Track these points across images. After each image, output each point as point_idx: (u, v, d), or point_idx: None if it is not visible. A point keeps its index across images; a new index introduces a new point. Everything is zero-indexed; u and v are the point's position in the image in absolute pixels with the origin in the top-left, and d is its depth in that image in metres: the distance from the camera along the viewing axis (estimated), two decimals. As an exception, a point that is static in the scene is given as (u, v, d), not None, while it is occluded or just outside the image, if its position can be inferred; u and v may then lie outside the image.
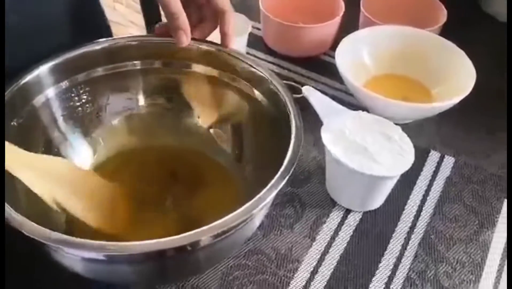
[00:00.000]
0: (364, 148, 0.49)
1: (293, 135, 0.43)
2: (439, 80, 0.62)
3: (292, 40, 0.69)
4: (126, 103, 0.55)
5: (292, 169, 0.41)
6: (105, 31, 0.62)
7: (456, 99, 0.56)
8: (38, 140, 0.49)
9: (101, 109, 0.54)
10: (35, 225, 0.35)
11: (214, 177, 0.53)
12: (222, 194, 0.52)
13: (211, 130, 0.55)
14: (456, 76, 0.60)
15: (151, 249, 0.35)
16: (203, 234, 0.36)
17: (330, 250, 0.50)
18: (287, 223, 0.52)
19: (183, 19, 0.48)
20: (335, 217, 0.52)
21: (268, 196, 0.38)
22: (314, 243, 0.50)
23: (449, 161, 0.58)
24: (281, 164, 0.41)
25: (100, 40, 0.51)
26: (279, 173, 0.40)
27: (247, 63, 0.50)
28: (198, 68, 0.53)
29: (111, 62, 0.52)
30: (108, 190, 0.49)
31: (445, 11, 0.69)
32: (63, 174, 0.45)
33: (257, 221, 0.45)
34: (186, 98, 0.55)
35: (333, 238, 0.51)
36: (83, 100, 0.52)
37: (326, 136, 0.50)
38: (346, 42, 0.62)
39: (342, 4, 0.70)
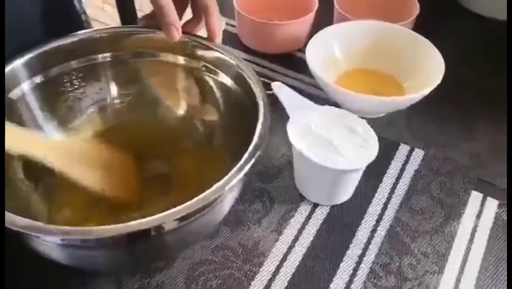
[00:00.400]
0: (329, 142, 0.49)
1: (259, 122, 0.44)
2: (410, 73, 0.63)
3: (266, 37, 0.69)
4: (99, 94, 0.56)
5: (257, 154, 0.41)
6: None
7: (423, 92, 0.56)
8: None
9: (76, 101, 0.55)
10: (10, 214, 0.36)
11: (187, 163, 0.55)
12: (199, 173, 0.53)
13: (184, 118, 0.56)
14: (426, 69, 0.60)
15: (117, 233, 0.36)
16: (168, 217, 0.37)
17: (296, 244, 0.50)
18: (255, 218, 0.52)
19: (173, 14, 0.48)
20: (302, 211, 0.53)
21: (230, 181, 0.39)
22: (280, 237, 0.51)
23: (418, 154, 0.58)
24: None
25: (73, 34, 0.52)
26: (243, 158, 0.41)
27: (216, 50, 0.51)
28: (168, 57, 0.54)
29: (84, 55, 0.53)
30: (120, 160, 0.52)
31: (417, 5, 0.69)
32: (75, 149, 0.50)
33: (224, 206, 0.45)
34: (159, 87, 0.56)
35: (300, 232, 0.51)
36: (58, 93, 0.53)
37: (291, 131, 0.51)
38: (317, 39, 0.62)
39: (316, 1, 0.70)
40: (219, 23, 0.51)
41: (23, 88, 0.50)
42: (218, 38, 0.51)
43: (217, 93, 0.53)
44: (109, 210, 0.50)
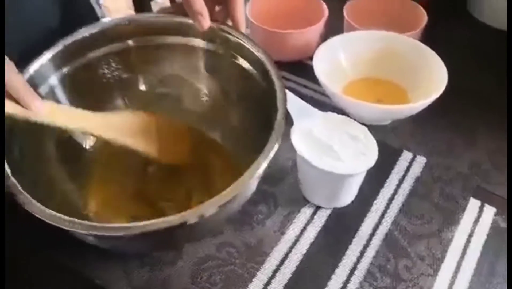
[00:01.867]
0: (329, 147, 0.52)
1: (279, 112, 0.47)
2: (415, 82, 0.64)
3: (277, 45, 0.72)
4: (125, 81, 0.58)
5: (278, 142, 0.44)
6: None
7: (427, 101, 0.58)
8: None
9: (103, 90, 0.57)
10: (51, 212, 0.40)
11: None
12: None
13: (207, 100, 0.60)
14: (430, 79, 0.62)
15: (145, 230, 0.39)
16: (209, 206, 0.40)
17: (297, 245, 0.52)
18: (259, 219, 0.55)
19: (201, 3, 0.51)
20: (305, 213, 0.55)
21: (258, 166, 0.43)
22: (283, 237, 0.53)
23: (420, 161, 0.60)
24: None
25: (92, 25, 0.54)
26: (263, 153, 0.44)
27: (238, 38, 0.53)
28: (188, 41, 0.57)
29: (113, 41, 0.56)
30: (171, 128, 0.57)
31: (425, 15, 0.71)
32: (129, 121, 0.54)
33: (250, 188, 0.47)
34: (181, 71, 0.59)
35: (301, 233, 0.53)
36: (85, 84, 0.56)
37: (295, 135, 0.53)
38: (324, 47, 0.64)
39: (326, 10, 0.72)
40: (243, 12, 0.53)
41: (51, 82, 0.53)
42: (243, 27, 0.54)
43: (239, 79, 0.56)
44: (140, 199, 0.55)
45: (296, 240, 0.53)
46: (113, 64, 0.57)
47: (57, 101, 0.54)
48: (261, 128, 0.47)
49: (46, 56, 0.52)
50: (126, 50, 0.57)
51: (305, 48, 0.72)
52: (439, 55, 0.63)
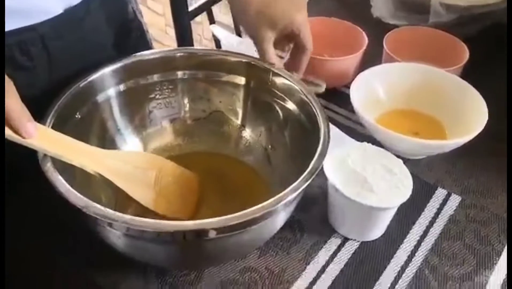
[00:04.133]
0: (363, 178, 0.50)
1: (320, 145, 0.47)
2: (453, 118, 0.63)
3: (314, 72, 0.71)
4: (173, 108, 0.60)
5: (316, 172, 0.44)
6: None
7: (465, 139, 0.57)
8: (95, 131, 0.55)
9: (152, 111, 0.60)
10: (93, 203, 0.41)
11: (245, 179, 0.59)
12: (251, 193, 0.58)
13: (246, 136, 0.61)
14: (469, 116, 0.60)
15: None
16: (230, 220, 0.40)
17: (322, 276, 0.51)
18: (284, 246, 0.53)
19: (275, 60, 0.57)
20: (332, 244, 0.53)
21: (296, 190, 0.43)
22: (308, 267, 0.51)
23: (455, 199, 0.58)
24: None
25: (154, 50, 0.58)
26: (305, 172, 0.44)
27: (283, 76, 0.56)
28: (236, 79, 0.59)
29: (162, 71, 0.58)
30: (182, 179, 0.56)
31: (467, 52, 0.69)
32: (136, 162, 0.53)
33: (280, 217, 0.48)
34: (226, 106, 0.61)
35: (327, 265, 0.52)
36: (138, 102, 0.59)
37: (328, 163, 0.52)
38: (362, 77, 0.63)
39: (366, 39, 0.72)
40: (306, 63, 0.59)
41: (108, 93, 0.56)
42: (300, 74, 0.59)
43: (282, 117, 0.57)
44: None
45: (321, 272, 0.51)
46: (166, 92, 0.59)
47: (109, 111, 0.56)
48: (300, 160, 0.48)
49: (108, 69, 0.55)
50: (180, 80, 0.59)
51: (342, 76, 0.72)
52: (479, 92, 0.61)
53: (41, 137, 0.43)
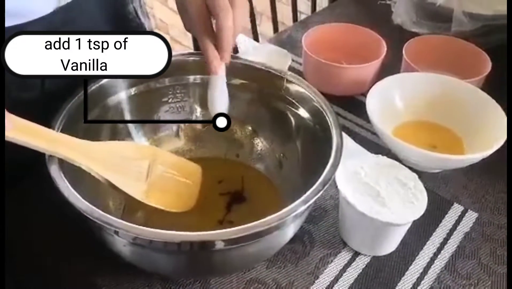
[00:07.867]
0: (376, 192, 0.49)
1: (332, 154, 0.46)
2: (472, 131, 0.61)
3: (329, 78, 0.70)
4: (185, 112, 0.60)
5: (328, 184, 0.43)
6: None
7: (484, 154, 0.55)
8: (106, 134, 0.55)
9: (163, 116, 0.59)
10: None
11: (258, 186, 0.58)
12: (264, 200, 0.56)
13: (258, 143, 0.60)
14: (489, 130, 0.58)
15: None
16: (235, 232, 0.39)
17: (331, 291, 0.50)
18: (293, 258, 0.52)
19: (213, 54, 0.50)
20: (342, 258, 0.52)
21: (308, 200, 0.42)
22: (316, 281, 0.50)
23: (471, 216, 0.56)
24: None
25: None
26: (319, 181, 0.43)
27: (297, 83, 0.54)
28: (249, 85, 0.58)
29: (174, 75, 0.57)
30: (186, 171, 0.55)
31: (489, 63, 0.67)
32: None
33: (290, 229, 0.47)
34: (238, 112, 0.59)
35: (336, 280, 0.50)
36: (149, 106, 0.58)
37: (340, 175, 0.51)
38: (379, 86, 0.62)
39: (384, 47, 0.70)
40: (231, 41, 0.49)
41: (120, 96, 0.55)
42: (224, 59, 0.50)
43: (294, 125, 0.56)
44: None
45: (330, 287, 0.50)
46: (179, 96, 0.59)
47: (120, 115, 0.55)
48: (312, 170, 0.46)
49: None
50: (192, 84, 0.59)
51: (359, 84, 0.70)
52: (500, 105, 0.59)
53: (20, 129, 0.42)
